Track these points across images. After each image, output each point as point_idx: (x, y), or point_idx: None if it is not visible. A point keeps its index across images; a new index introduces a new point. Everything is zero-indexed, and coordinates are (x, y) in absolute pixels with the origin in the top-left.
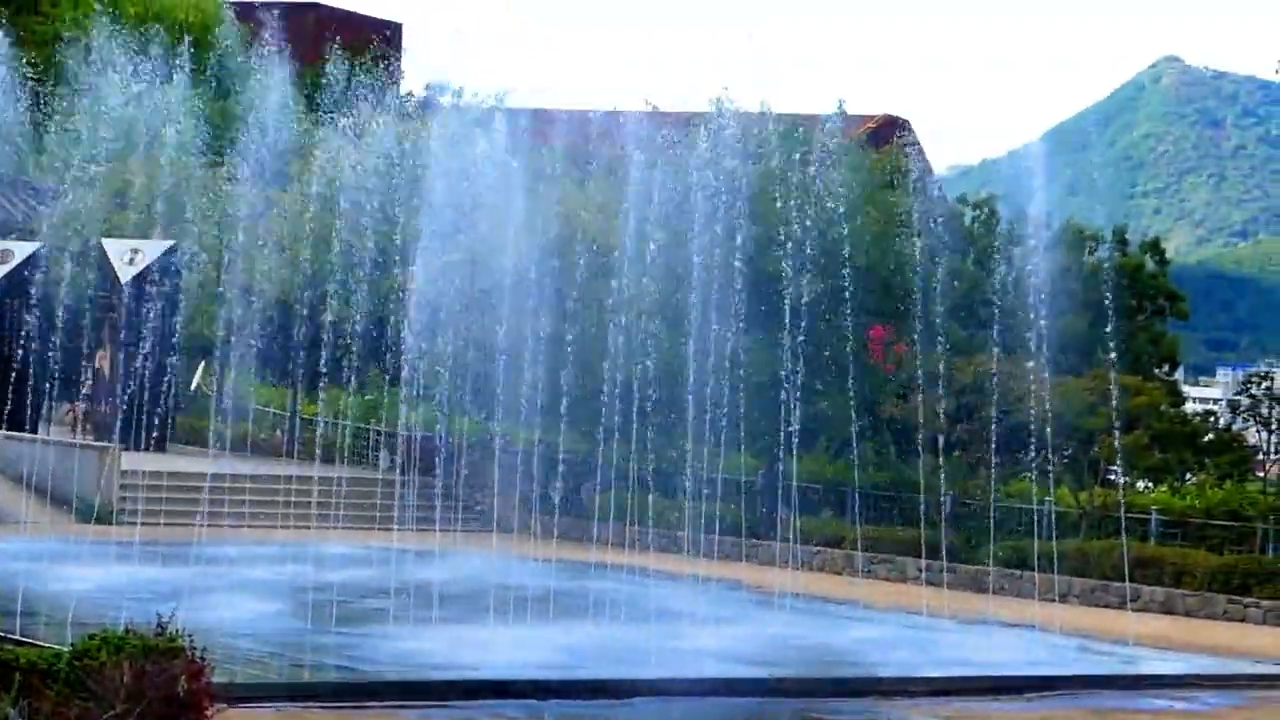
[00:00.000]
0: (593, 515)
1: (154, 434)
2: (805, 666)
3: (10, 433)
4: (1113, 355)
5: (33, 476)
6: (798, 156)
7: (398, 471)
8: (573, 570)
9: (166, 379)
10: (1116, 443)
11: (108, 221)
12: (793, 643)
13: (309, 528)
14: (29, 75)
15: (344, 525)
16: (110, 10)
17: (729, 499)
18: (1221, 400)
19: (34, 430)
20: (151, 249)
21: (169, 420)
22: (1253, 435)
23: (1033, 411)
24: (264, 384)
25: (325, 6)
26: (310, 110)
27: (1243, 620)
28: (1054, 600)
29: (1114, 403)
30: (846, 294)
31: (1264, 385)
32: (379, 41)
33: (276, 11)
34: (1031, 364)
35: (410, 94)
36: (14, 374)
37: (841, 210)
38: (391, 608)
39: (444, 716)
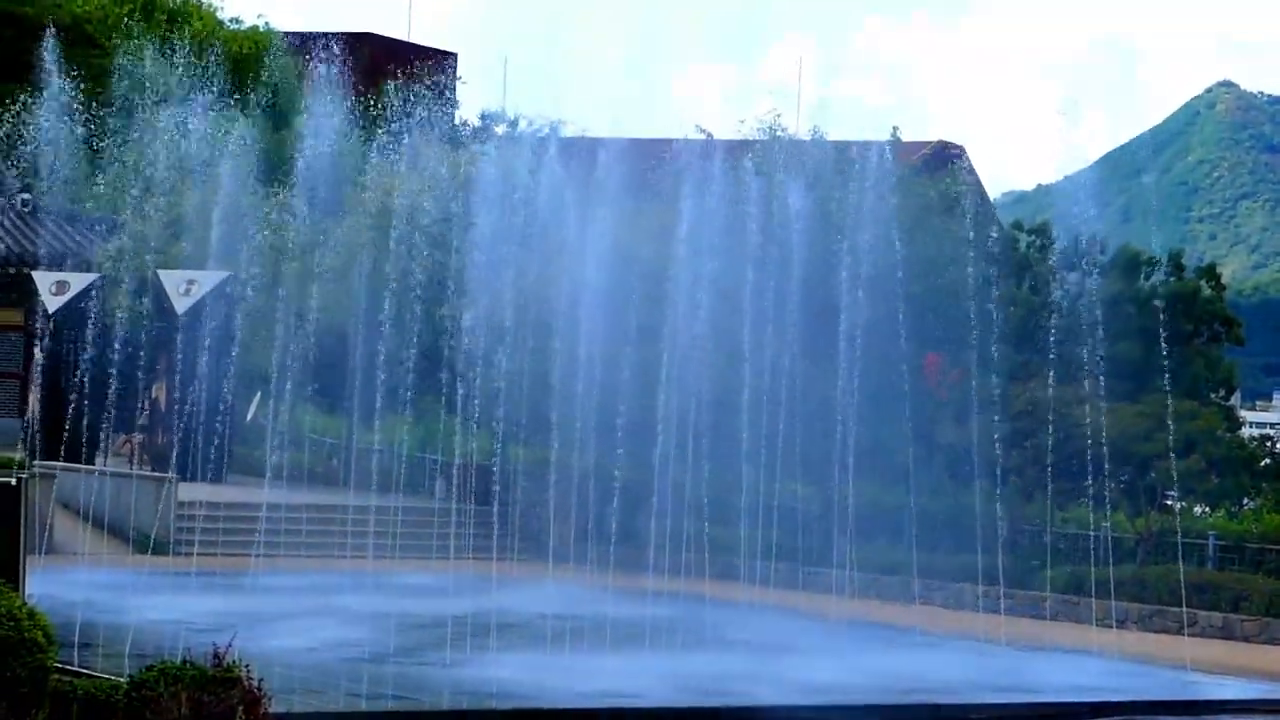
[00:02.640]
0: (649, 543)
1: (211, 464)
2: (866, 693)
3: (68, 464)
4: (1169, 380)
5: (90, 508)
6: (852, 183)
7: (454, 500)
8: (630, 598)
9: (223, 409)
10: (1173, 468)
11: (163, 253)
12: (854, 669)
13: (365, 557)
14: (84, 107)
15: (401, 554)
16: (166, 42)
17: (785, 526)
18: (1278, 424)
19: (91, 462)
20: (207, 280)
21: (226, 450)
22: None
23: (1089, 437)
24: (320, 414)
25: (380, 37)
26: (366, 140)
27: None
28: (1111, 626)
29: (1170, 427)
30: (901, 320)
31: None
32: (434, 71)
33: (331, 42)
34: (1087, 389)
35: (465, 123)
36: (71, 406)
37: (896, 237)
38: (449, 636)
39: None
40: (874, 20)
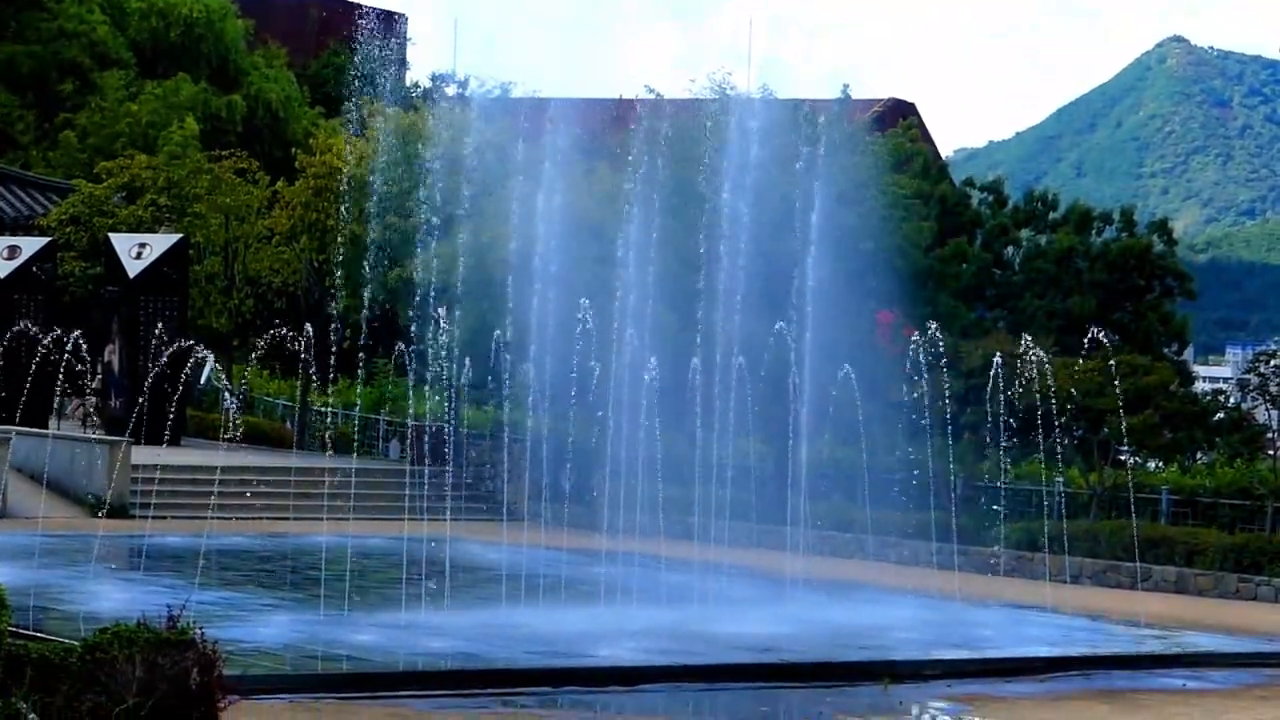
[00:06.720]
0: (603, 503)
1: (166, 428)
2: (820, 650)
3: (22, 428)
4: (1121, 335)
5: (45, 472)
6: (804, 139)
7: (408, 462)
8: (584, 558)
9: (178, 372)
10: (1124, 423)
11: (115, 215)
12: (807, 626)
13: (320, 519)
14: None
15: (355, 516)
16: (115, 5)
17: (739, 485)
18: (1231, 379)
19: (44, 426)
20: (159, 243)
21: (181, 414)
22: (1262, 413)
23: (1041, 393)
24: (273, 376)
25: None
26: (315, 101)
27: (1254, 599)
28: (1065, 581)
29: (1123, 383)
30: (854, 277)
31: (1272, 364)
32: (383, 32)
33: (281, 4)
34: (1040, 345)
35: (416, 84)
36: (24, 369)
37: (848, 194)
38: (403, 597)
39: (455, 705)
40: None
